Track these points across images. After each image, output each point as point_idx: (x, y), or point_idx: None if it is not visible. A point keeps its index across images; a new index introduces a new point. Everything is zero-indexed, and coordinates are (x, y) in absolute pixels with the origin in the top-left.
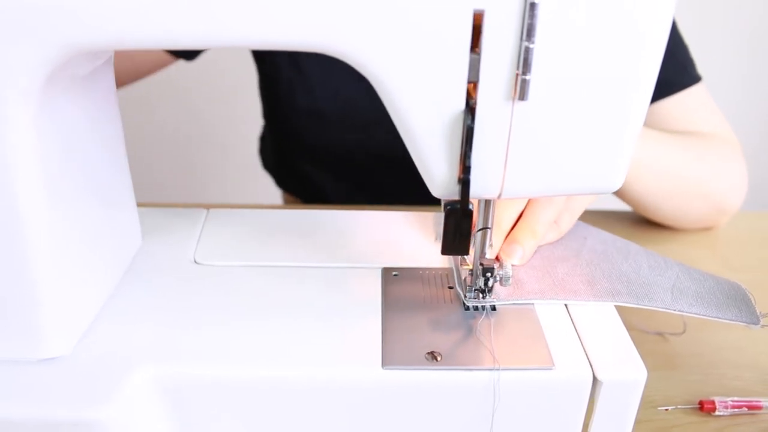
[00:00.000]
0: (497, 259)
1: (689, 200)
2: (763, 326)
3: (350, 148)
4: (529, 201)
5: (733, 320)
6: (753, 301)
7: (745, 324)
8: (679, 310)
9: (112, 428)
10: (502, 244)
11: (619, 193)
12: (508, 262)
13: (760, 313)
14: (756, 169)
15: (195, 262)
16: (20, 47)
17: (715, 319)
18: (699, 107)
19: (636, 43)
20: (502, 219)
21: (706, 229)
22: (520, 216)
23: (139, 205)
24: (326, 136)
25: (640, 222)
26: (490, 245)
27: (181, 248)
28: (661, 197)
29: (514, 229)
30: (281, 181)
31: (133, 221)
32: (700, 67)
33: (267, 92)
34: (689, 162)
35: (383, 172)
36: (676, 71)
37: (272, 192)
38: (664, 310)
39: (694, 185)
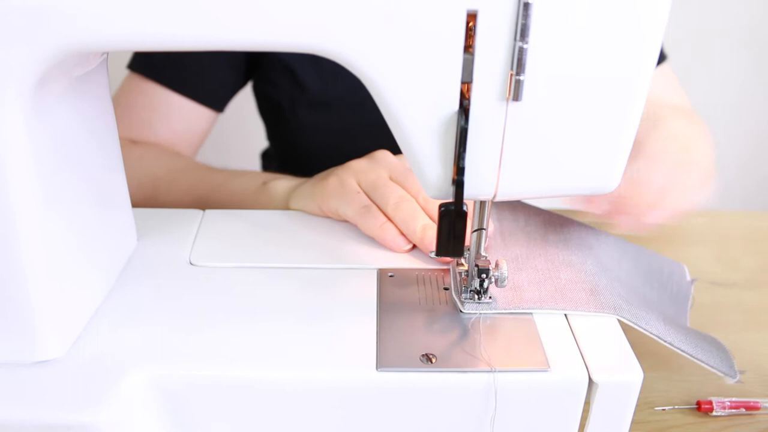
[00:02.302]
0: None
1: (686, 166)
2: (738, 382)
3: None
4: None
5: (714, 368)
6: (732, 358)
7: (723, 374)
8: (669, 343)
9: (107, 431)
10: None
11: None
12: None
13: (738, 370)
14: (756, 169)
15: (190, 263)
16: (13, 48)
17: (698, 362)
18: (666, 86)
19: (631, 42)
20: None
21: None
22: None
23: (134, 205)
24: (331, 148)
25: None
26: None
27: (176, 249)
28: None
29: None
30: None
31: (128, 222)
32: (700, 68)
33: (268, 113)
34: (685, 129)
35: None
36: None
37: None
38: (656, 337)
39: (690, 153)
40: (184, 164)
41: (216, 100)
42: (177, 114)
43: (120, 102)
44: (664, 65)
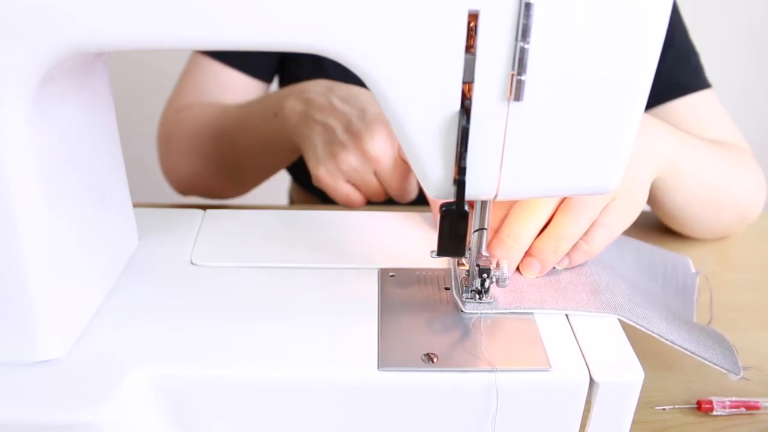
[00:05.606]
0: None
1: (720, 210)
2: (741, 378)
3: None
4: (553, 214)
5: (717, 365)
6: (736, 354)
7: (726, 371)
8: (671, 341)
9: (108, 430)
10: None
11: (658, 204)
12: (525, 275)
13: (742, 366)
14: None
15: (192, 262)
16: (15, 48)
17: (701, 359)
18: (711, 112)
19: (632, 42)
20: (520, 235)
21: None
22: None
23: (135, 205)
24: None
25: (640, 224)
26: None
27: (177, 249)
28: (697, 207)
29: (536, 240)
30: (298, 177)
31: (129, 222)
32: None
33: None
34: (722, 171)
35: None
36: (689, 74)
37: (274, 195)
38: (657, 336)
39: (725, 195)
40: (216, 113)
41: (263, 71)
42: (230, 88)
43: (182, 78)
44: (709, 92)
